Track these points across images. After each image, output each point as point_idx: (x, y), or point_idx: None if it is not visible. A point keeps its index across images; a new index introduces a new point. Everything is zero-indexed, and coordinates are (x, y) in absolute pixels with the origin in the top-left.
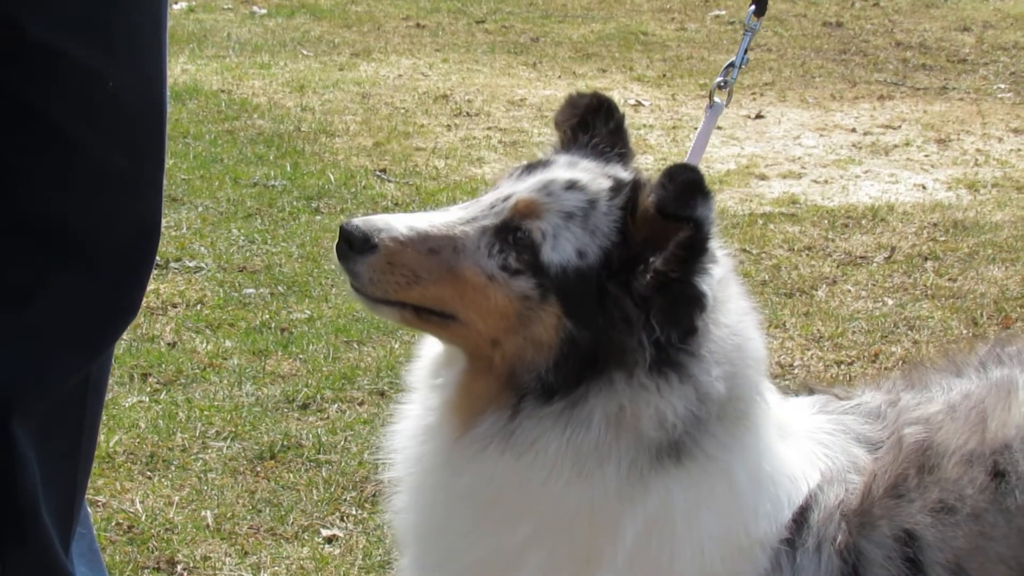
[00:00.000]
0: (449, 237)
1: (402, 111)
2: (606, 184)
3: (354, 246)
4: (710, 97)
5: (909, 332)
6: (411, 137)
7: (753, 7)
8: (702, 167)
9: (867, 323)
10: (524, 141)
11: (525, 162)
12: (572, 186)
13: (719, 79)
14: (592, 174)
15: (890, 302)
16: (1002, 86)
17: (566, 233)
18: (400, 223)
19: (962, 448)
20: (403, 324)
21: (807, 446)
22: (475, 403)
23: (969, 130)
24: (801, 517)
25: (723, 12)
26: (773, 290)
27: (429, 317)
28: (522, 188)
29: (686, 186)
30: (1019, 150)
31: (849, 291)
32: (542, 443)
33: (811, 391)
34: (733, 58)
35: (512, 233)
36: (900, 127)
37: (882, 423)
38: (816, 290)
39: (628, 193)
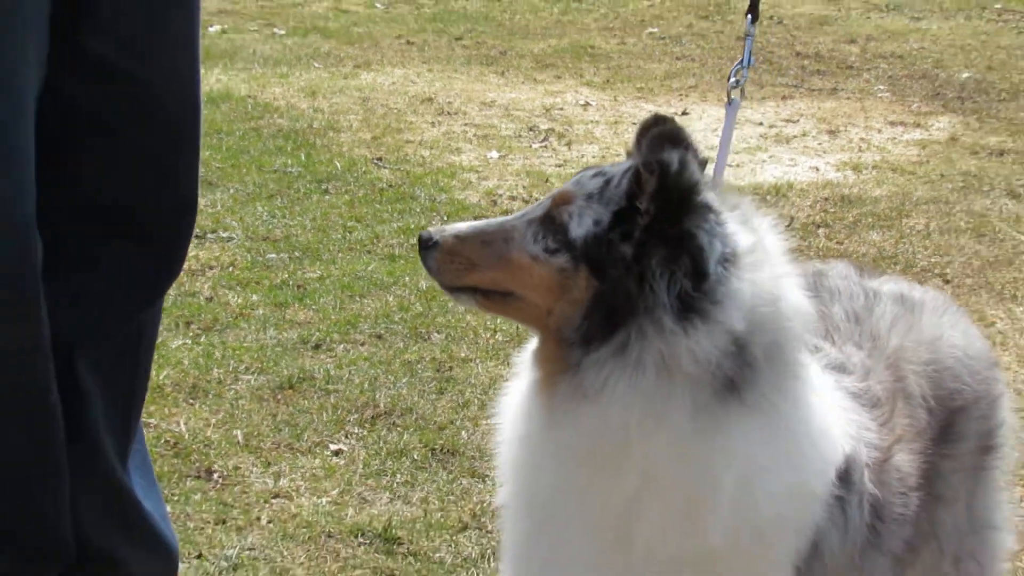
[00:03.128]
0: (501, 231)
1: (395, 111)
2: (626, 166)
3: (424, 246)
4: (728, 96)
5: None
6: (402, 132)
7: (749, 15)
8: (729, 160)
9: None
10: (494, 135)
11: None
12: (597, 174)
13: (732, 80)
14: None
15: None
16: (881, 87)
17: (587, 210)
18: (462, 224)
19: (889, 385)
20: (478, 307)
21: (835, 406)
22: (549, 368)
23: (854, 123)
24: (845, 474)
25: (656, 30)
26: None
27: (494, 297)
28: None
29: (654, 137)
30: (894, 139)
31: None
32: (609, 385)
33: None
34: (741, 60)
35: (551, 221)
36: (798, 121)
37: (851, 376)
38: None
39: (636, 164)
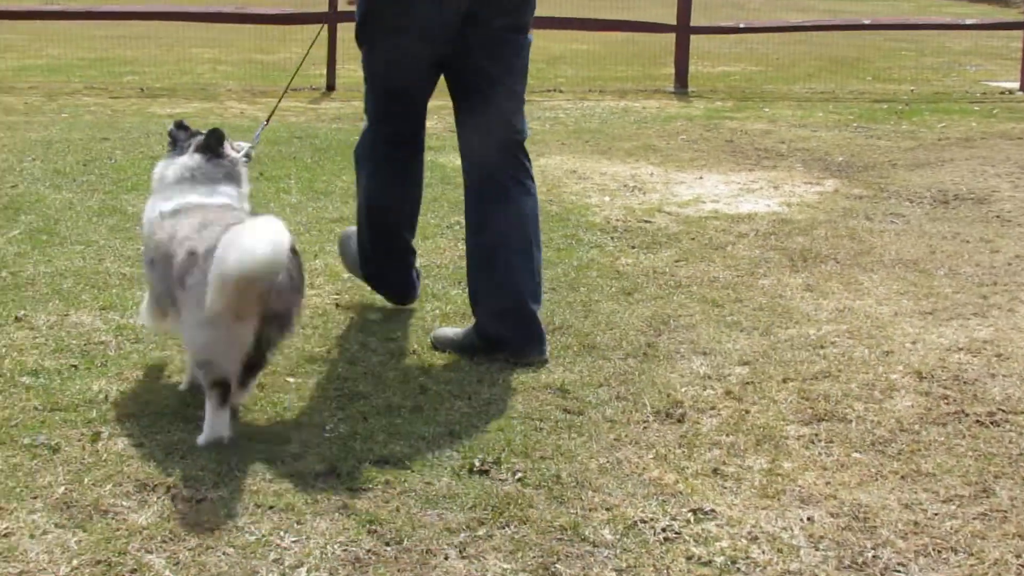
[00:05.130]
0: None
1: (557, 177)
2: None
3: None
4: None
5: (762, 263)
6: (561, 188)
7: (265, 122)
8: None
9: (747, 263)
10: (606, 188)
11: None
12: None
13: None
14: None
15: (757, 252)
16: (798, 165)
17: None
18: None
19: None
20: None
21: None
22: None
23: (786, 182)
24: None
25: (684, 136)
26: (703, 243)
27: None
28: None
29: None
30: (806, 191)
31: (741, 246)
32: None
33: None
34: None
35: None
36: (757, 182)
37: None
38: (725, 247)
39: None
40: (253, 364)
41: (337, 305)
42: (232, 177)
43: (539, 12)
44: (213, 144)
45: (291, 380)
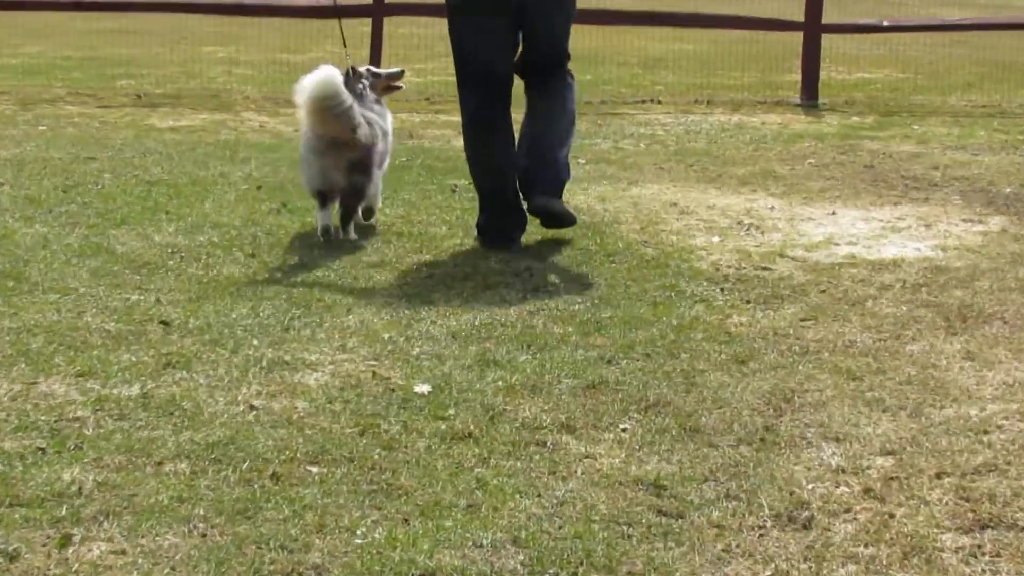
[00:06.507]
0: None
1: (653, 211)
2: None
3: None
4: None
5: (911, 323)
6: (658, 224)
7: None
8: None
9: (892, 324)
10: (715, 226)
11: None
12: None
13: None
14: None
15: (904, 309)
16: (955, 197)
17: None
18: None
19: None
20: None
21: None
22: None
23: (940, 220)
24: None
25: (813, 160)
26: (836, 297)
27: None
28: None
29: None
30: (966, 230)
31: (884, 302)
32: None
33: None
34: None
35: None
36: (905, 219)
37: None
38: (865, 303)
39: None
40: (348, 201)
41: (374, 374)
42: (355, 92)
43: (638, 5)
44: (350, 78)
45: (313, 470)
